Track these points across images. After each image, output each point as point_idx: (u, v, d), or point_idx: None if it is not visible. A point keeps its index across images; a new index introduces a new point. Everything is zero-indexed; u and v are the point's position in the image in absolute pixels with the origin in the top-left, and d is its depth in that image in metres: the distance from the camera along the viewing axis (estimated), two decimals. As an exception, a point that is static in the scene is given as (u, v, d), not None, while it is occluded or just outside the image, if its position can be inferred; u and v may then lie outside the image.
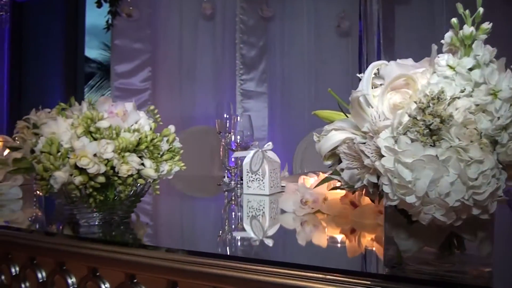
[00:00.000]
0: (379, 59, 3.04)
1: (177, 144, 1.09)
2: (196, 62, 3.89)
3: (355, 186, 0.68)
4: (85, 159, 0.91)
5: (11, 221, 1.30)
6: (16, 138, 1.31)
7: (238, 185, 1.73)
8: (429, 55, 0.71)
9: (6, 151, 1.59)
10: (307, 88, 3.67)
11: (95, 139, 0.95)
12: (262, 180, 1.58)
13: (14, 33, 5.25)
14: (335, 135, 0.72)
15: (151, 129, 1.05)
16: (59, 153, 0.93)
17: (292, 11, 3.67)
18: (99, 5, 3.70)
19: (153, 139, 1.02)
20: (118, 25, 3.68)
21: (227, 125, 1.83)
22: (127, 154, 0.97)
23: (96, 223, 1.05)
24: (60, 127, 0.96)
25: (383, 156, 0.63)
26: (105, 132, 0.96)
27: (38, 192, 1.68)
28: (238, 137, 1.71)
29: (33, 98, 5.33)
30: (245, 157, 1.62)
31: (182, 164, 1.08)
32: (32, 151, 1.24)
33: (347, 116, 0.77)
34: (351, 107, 0.69)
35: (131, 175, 0.98)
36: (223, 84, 3.79)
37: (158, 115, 1.12)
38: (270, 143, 1.61)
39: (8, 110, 5.28)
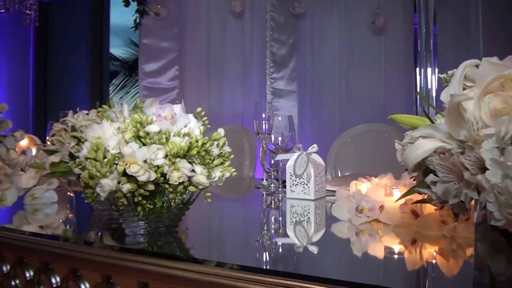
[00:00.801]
0: (435, 54, 2.93)
1: (227, 148, 1.02)
2: (224, 61, 3.83)
3: (450, 202, 0.60)
4: (135, 166, 0.84)
5: (45, 226, 1.25)
6: (53, 141, 1.26)
7: (279, 189, 1.66)
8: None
9: (33, 151, 1.54)
10: (338, 87, 3.58)
11: (144, 144, 0.89)
12: (307, 184, 1.50)
13: (39, 32, 5.26)
14: (423, 144, 0.63)
15: (200, 132, 0.98)
16: (106, 159, 0.87)
17: (323, 8, 3.57)
18: (127, 4, 3.66)
19: (204, 143, 0.94)
20: (146, 24, 3.64)
21: (266, 126, 1.75)
22: (177, 160, 0.90)
23: (142, 232, 0.98)
24: (106, 132, 0.90)
25: (487, 169, 0.55)
26: (155, 137, 0.89)
27: (71, 194, 1.63)
28: (280, 138, 1.63)
29: (58, 97, 5.34)
30: (287, 159, 1.54)
31: (233, 170, 1.01)
32: (71, 155, 1.18)
33: (433, 122, 0.68)
34: (447, 113, 0.61)
35: (182, 183, 0.91)
36: (252, 83, 3.72)
37: (205, 118, 1.05)
38: (315, 145, 1.53)
39: (33, 108, 5.30)
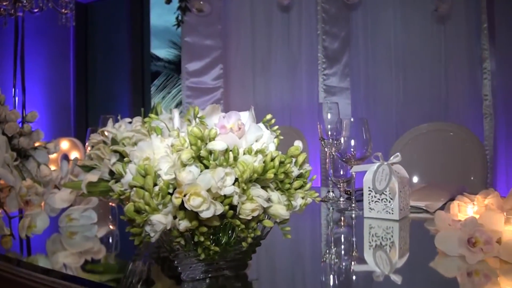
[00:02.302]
0: None
1: (307, 166, 0.78)
2: (271, 58, 3.59)
3: None
4: (197, 198, 0.62)
5: (84, 252, 1.06)
6: (91, 155, 1.05)
7: (353, 205, 1.40)
8: None
9: (77, 155, 1.34)
10: (394, 83, 3.28)
11: (205, 167, 0.66)
12: (389, 202, 1.25)
13: (78, 34, 5.19)
14: None
15: (276, 148, 0.75)
16: (157, 188, 0.65)
17: (378, -4, 3.29)
18: (168, 1, 3.48)
19: (282, 162, 0.71)
20: (188, 21, 3.44)
21: (335, 130, 1.51)
22: (250, 186, 0.67)
23: (203, 277, 0.76)
24: (156, 151, 0.68)
25: None
26: (220, 156, 0.67)
27: (113, 204, 1.44)
28: (352, 144, 1.38)
29: (99, 99, 5.25)
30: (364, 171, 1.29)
31: (316, 194, 0.78)
32: (111, 173, 0.97)
33: None
34: None
35: (256, 216, 0.69)
36: (301, 80, 3.47)
37: (276, 127, 0.81)
38: (398, 154, 1.27)
39: (75, 111, 5.22)
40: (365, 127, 1.39)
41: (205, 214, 0.63)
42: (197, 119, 0.72)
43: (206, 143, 0.67)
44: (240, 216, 0.67)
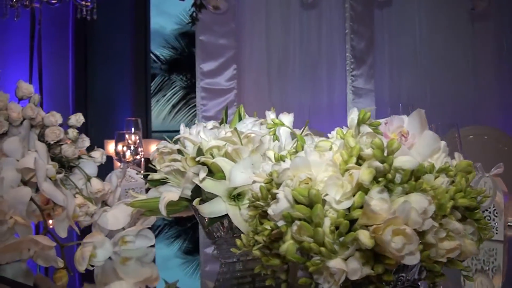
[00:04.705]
0: None
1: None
2: (288, 57, 3.41)
3: None
4: (398, 237, 0.43)
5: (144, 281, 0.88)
6: (159, 168, 0.86)
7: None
8: None
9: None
10: (420, 85, 3.13)
11: (389, 190, 0.48)
12: (493, 220, 1.08)
13: (77, 33, 4.98)
14: None
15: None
16: (328, 221, 0.46)
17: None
18: (182, -3, 3.29)
19: (467, 181, 0.53)
20: (203, 19, 3.25)
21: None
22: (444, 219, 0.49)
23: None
24: (315, 169, 0.49)
25: None
26: (405, 177, 0.48)
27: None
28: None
29: (99, 101, 5.03)
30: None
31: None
32: (197, 190, 0.78)
33: None
34: None
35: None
36: (321, 81, 3.29)
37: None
38: (500, 164, 1.10)
39: (73, 109, 4.99)
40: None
41: (409, 260, 0.44)
42: (363, 126, 0.53)
43: (389, 160, 0.48)
44: (432, 257, 0.49)
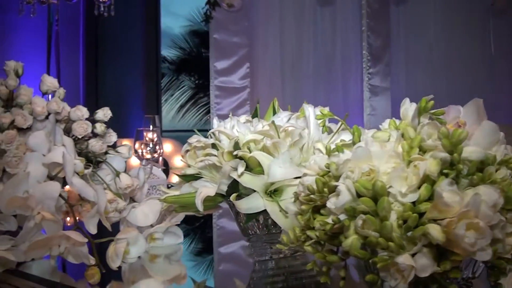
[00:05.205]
0: None
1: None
2: (302, 56, 3.38)
3: None
4: (471, 232, 0.41)
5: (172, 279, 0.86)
6: (202, 162, 0.83)
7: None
8: None
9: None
10: (437, 82, 3.09)
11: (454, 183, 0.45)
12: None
13: (88, 32, 4.97)
14: None
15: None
16: (394, 215, 0.44)
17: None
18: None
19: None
20: (217, 17, 3.24)
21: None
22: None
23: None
24: (377, 161, 0.46)
25: None
26: (472, 169, 0.46)
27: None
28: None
29: (110, 96, 5.02)
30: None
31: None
32: (234, 185, 0.76)
33: None
34: None
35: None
36: (337, 79, 3.26)
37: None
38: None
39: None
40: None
41: (481, 256, 0.42)
42: (427, 117, 0.50)
43: (458, 150, 0.46)
44: (503, 255, 0.47)
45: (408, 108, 0.56)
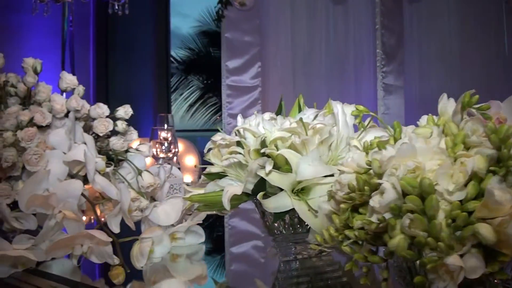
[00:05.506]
0: None
1: None
2: (314, 55, 3.36)
3: None
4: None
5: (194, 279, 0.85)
6: (227, 160, 0.82)
7: None
8: None
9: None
10: (452, 81, 3.06)
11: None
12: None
13: (98, 32, 4.98)
14: None
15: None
16: (441, 214, 0.42)
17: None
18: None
19: None
20: (229, 16, 3.23)
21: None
22: None
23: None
24: (421, 157, 0.45)
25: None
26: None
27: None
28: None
29: (120, 96, 5.02)
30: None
31: None
32: (260, 184, 0.75)
33: None
34: None
35: None
36: (350, 79, 3.24)
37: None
38: None
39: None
40: None
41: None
42: (468, 110, 0.49)
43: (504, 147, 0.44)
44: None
45: (446, 103, 0.55)
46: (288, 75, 3.42)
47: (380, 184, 0.45)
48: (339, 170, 0.52)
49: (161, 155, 1.73)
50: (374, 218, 0.45)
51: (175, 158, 1.77)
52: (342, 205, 0.49)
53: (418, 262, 0.42)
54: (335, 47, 3.32)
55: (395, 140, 0.49)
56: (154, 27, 4.94)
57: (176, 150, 1.76)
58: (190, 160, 2.71)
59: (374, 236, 0.46)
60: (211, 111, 8.82)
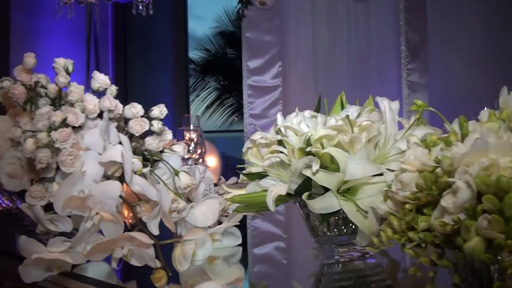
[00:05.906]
0: None
1: None
2: (336, 53, 3.33)
3: None
4: None
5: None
6: (269, 160, 0.80)
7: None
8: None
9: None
10: (479, 79, 3.00)
11: None
12: None
13: (117, 34, 5.01)
14: None
15: None
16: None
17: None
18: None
19: None
20: (249, 16, 3.21)
21: None
22: None
23: None
24: (494, 153, 0.42)
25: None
26: None
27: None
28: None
29: (140, 99, 5.03)
30: None
31: None
32: (306, 184, 0.73)
33: None
34: None
35: None
36: (373, 77, 3.20)
37: None
38: None
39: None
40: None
41: None
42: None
43: None
44: None
45: (507, 97, 0.52)
46: (309, 74, 3.39)
47: (451, 183, 0.42)
48: (402, 168, 0.49)
49: (187, 156, 1.71)
50: (447, 219, 0.42)
51: (201, 159, 1.75)
52: (407, 206, 0.47)
53: (495, 266, 0.40)
54: (357, 45, 3.28)
55: (463, 136, 0.47)
56: (172, 28, 4.96)
57: (203, 151, 1.75)
58: (211, 161, 2.71)
59: (444, 239, 0.43)
60: (229, 112, 8.82)
